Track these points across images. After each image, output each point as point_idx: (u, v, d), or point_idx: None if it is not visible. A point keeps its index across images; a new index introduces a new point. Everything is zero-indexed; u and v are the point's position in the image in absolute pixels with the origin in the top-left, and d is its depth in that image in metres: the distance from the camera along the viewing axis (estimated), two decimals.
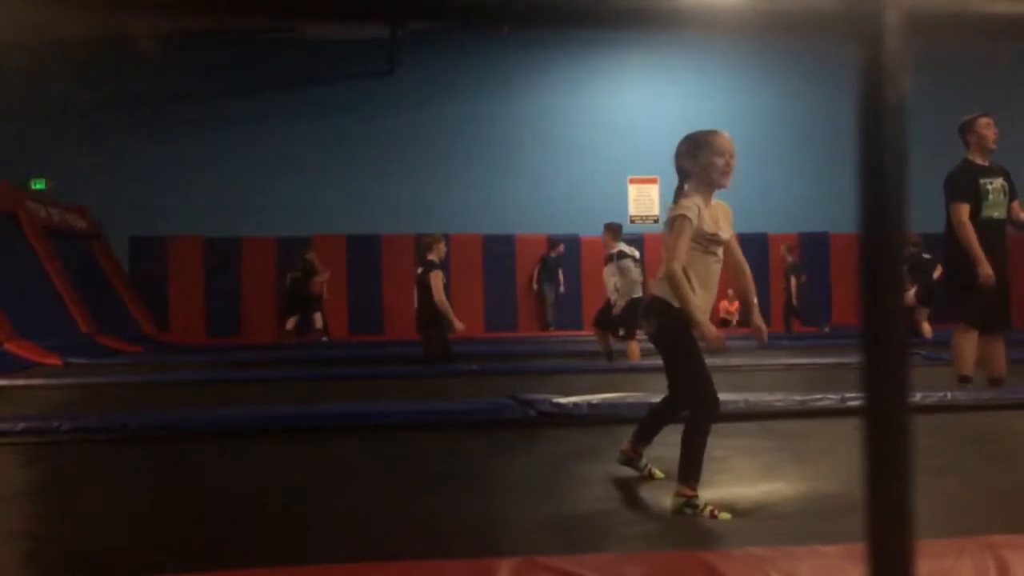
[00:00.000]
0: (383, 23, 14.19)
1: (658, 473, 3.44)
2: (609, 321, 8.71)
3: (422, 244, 9.09)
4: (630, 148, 15.63)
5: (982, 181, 5.31)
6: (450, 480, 3.54)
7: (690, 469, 3.01)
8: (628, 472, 3.47)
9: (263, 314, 15.20)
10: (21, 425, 4.56)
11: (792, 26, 0.65)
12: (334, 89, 16.04)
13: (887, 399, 0.61)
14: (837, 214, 13.89)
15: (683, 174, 3.21)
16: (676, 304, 3.05)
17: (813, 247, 16.13)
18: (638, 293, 8.42)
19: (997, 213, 5.34)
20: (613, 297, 8.53)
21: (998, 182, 5.37)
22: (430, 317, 8.76)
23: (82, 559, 2.54)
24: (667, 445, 3.33)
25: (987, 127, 5.40)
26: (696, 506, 2.95)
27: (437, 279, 8.66)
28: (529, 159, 16.23)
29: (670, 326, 3.08)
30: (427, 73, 16.08)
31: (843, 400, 4.88)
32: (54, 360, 9.77)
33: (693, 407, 3.11)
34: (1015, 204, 5.46)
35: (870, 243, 0.62)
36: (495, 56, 16.00)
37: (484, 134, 16.19)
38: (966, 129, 5.45)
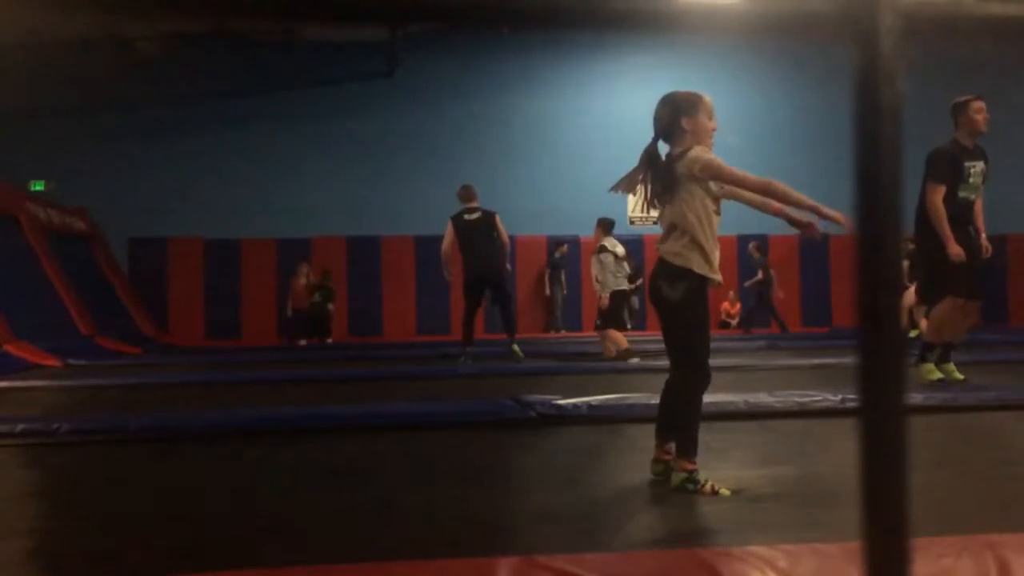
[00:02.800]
0: (384, 25, 14.19)
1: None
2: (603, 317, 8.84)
3: (469, 192, 9.04)
4: (630, 149, 15.56)
5: (966, 164, 5.38)
6: (450, 480, 3.54)
7: (687, 443, 3.03)
8: (627, 472, 3.47)
9: (263, 316, 15.20)
10: (21, 426, 4.56)
11: (789, 28, 0.66)
12: (334, 91, 16.04)
13: (883, 399, 0.61)
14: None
15: (673, 134, 3.17)
16: (697, 270, 3.06)
17: (813, 248, 16.14)
18: (623, 286, 8.59)
19: (973, 195, 5.45)
20: (596, 289, 8.68)
21: (980, 165, 5.45)
22: (502, 260, 8.70)
23: (82, 560, 2.54)
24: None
25: (979, 112, 5.46)
26: (697, 481, 2.98)
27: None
28: (529, 161, 16.23)
29: (692, 291, 3.08)
30: (427, 75, 16.09)
31: (843, 401, 4.89)
32: (54, 362, 9.76)
33: (689, 376, 3.11)
34: (978, 206, 5.56)
35: (866, 243, 0.63)
36: (495, 58, 16.00)
37: (484, 136, 16.19)
38: (958, 111, 5.50)
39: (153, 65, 15.31)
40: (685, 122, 3.13)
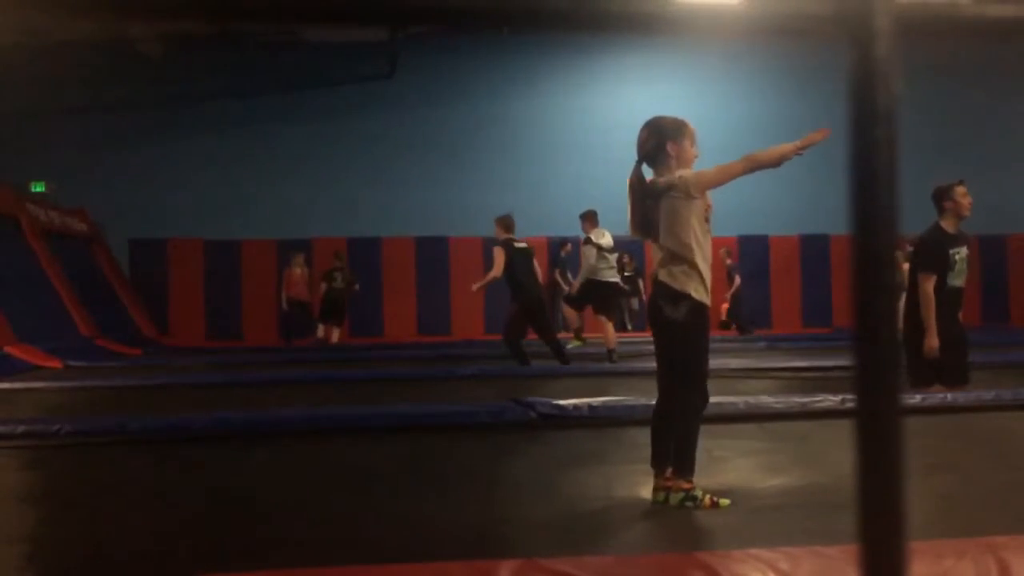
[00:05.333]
0: (384, 26, 14.19)
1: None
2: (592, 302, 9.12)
3: (513, 222, 9.05)
4: (630, 151, 15.58)
5: (951, 252, 5.35)
6: (451, 482, 3.54)
7: (686, 462, 3.04)
8: (627, 474, 3.47)
9: (263, 317, 15.19)
10: (21, 428, 4.56)
11: (784, 29, 0.66)
12: (335, 91, 16.04)
13: (878, 401, 0.61)
14: (837, 216, 13.92)
15: (658, 159, 3.19)
16: (695, 295, 3.07)
17: (813, 249, 16.14)
18: (601, 277, 8.72)
19: (959, 282, 5.43)
20: None
21: (964, 251, 5.42)
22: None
23: (82, 562, 2.54)
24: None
25: (964, 196, 5.41)
26: (696, 498, 3.00)
27: None
28: (529, 161, 16.23)
29: (694, 312, 3.09)
30: (428, 75, 16.09)
31: (842, 402, 4.89)
32: (54, 363, 9.76)
33: (687, 398, 3.12)
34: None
35: (861, 245, 0.63)
36: (495, 58, 16.00)
37: (485, 136, 16.19)
38: (943, 196, 5.42)
39: (154, 66, 15.31)
40: (670, 147, 3.16)
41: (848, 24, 0.61)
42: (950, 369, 5.40)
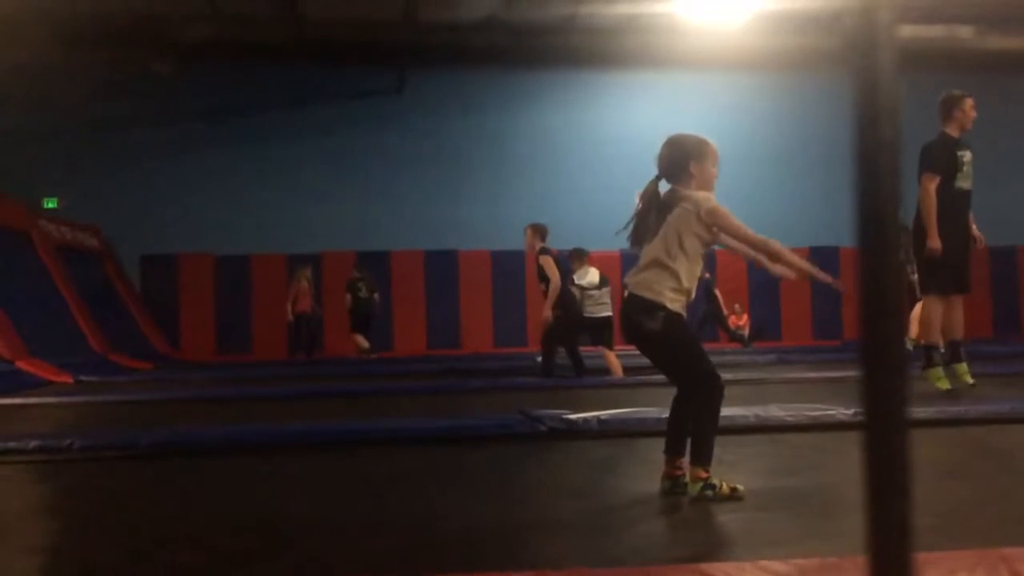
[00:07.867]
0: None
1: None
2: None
3: (546, 230, 8.96)
4: (639, 164, 15.58)
5: (959, 154, 5.54)
6: (459, 495, 3.54)
7: (704, 451, 3.07)
8: (638, 485, 3.46)
9: (273, 330, 15.23)
10: (33, 443, 4.58)
11: (791, 62, 0.67)
12: (344, 107, 16.14)
13: (886, 413, 0.62)
14: (847, 228, 13.88)
15: (679, 177, 3.20)
16: (670, 305, 3.10)
17: (823, 261, 16.11)
18: (586, 315, 8.76)
19: (967, 184, 5.61)
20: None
21: (969, 155, 5.62)
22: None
23: (93, 575, 2.55)
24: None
25: (972, 108, 5.69)
26: (714, 486, 3.04)
27: None
28: (538, 175, 16.28)
29: (672, 323, 3.11)
30: (435, 90, 16.18)
31: (855, 415, 4.87)
32: (66, 378, 9.80)
33: (704, 390, 3.14)
34: (971, 218, 5.71)
35: (867, 268, 0.64)
36: (503, 73, 16.08)
37: (493, 151, 16.25)
38: (953, 104, 5.66)
39: (165, 83, 15.44)
40: (693, 167, 3.17)
41: (853, 57, 0.62)
42: (942, 280, 5.53)
